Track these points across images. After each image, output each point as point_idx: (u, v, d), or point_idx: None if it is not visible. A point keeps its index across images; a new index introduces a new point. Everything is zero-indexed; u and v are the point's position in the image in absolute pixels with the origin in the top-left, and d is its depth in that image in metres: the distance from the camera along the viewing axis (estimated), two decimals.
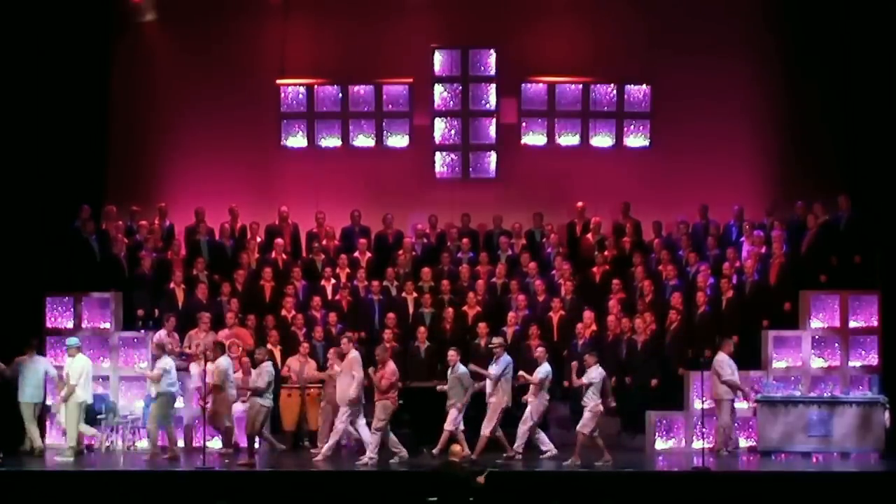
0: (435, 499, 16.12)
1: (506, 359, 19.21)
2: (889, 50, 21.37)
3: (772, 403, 19.65)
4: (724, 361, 19.67)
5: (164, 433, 19.76)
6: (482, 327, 20.66)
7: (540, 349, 19.52)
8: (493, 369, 19.11)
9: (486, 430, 19.02)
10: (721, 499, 17.40)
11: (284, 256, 22.21)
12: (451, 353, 19.38)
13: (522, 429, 19.13)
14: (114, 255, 21.54)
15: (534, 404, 19.11)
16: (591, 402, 18.63)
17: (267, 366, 18.91)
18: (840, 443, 19.59)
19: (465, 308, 21.23)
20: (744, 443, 20.18)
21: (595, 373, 18.74)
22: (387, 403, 18.80)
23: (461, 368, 19.25)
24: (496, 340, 19.44)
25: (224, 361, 19.38)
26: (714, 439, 19.67)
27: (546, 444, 19.26)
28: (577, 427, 18.78)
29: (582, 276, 21.89)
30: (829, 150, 22.73)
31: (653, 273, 21.58)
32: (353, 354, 19.02)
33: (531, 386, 19.11)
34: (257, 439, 19.35)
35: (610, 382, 19.21)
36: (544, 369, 19.16)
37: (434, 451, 19.19)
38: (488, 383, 19.15)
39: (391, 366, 18.98)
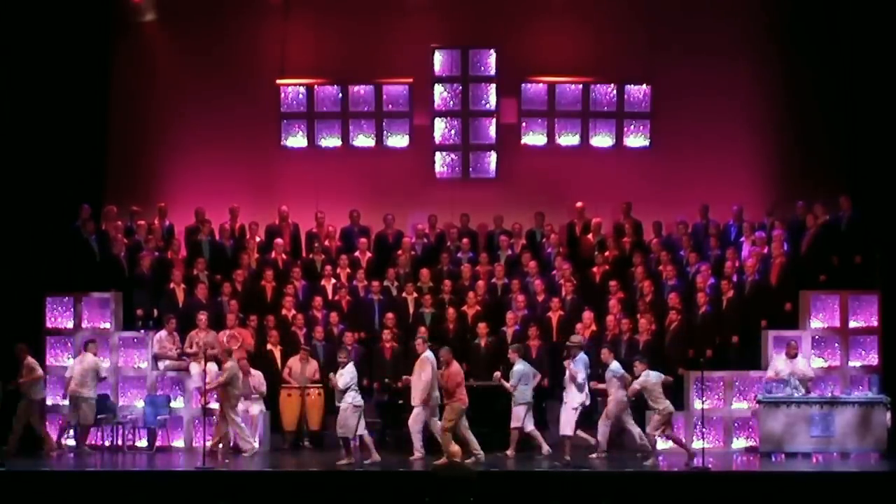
0: (428, 499, 16.06)
1: (582, 357, 18.98)
2: (889, 50, 21.38)
3: (772, 404, 19.65)
4: (772, 362, 19.95)
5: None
6: (482, 327, 20.67)
7: (605, 350, 19.42)
8: (574, 367, 18.87)
9: (565, 430, 18.82)
10: (721, 499, 17.38)
11: (284, 256, 22.20)
12: (512, 352, 19.32)
13: (602, 428, 19.24)
14: (114, 255, 21.53)
15: (611, 402, 19.11)
16: (661, 405, 18.61)
17: (349, 367, 18.66)
18: (840, 443, 19.59)
19: (465, 308, 21.23)
20: (744, 443, 20.20)
21: (652, 375, 18.75)
22: (455, 405, 18.72)
23: (520, 364, 19.18)
24: (575, 339, 19.20)
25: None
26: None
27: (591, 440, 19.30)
28: (648, 430, 18.84)
29: (582, 276, 21.89)
30: (829, 150, 22.75)
31: (653, 273, 21.58)
32: (426, 355, 18.92)
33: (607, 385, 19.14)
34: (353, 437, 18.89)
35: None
36: (612, 367, 19.14)
37: (508, 452, 19.15)
38: (568, 384, 18.91)
39: (455, 366, 18.84)
